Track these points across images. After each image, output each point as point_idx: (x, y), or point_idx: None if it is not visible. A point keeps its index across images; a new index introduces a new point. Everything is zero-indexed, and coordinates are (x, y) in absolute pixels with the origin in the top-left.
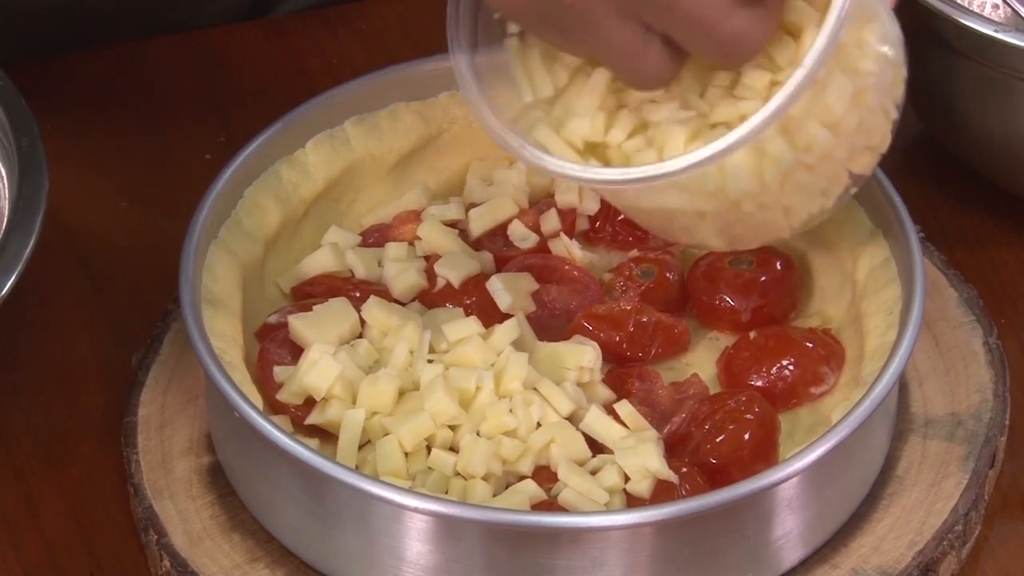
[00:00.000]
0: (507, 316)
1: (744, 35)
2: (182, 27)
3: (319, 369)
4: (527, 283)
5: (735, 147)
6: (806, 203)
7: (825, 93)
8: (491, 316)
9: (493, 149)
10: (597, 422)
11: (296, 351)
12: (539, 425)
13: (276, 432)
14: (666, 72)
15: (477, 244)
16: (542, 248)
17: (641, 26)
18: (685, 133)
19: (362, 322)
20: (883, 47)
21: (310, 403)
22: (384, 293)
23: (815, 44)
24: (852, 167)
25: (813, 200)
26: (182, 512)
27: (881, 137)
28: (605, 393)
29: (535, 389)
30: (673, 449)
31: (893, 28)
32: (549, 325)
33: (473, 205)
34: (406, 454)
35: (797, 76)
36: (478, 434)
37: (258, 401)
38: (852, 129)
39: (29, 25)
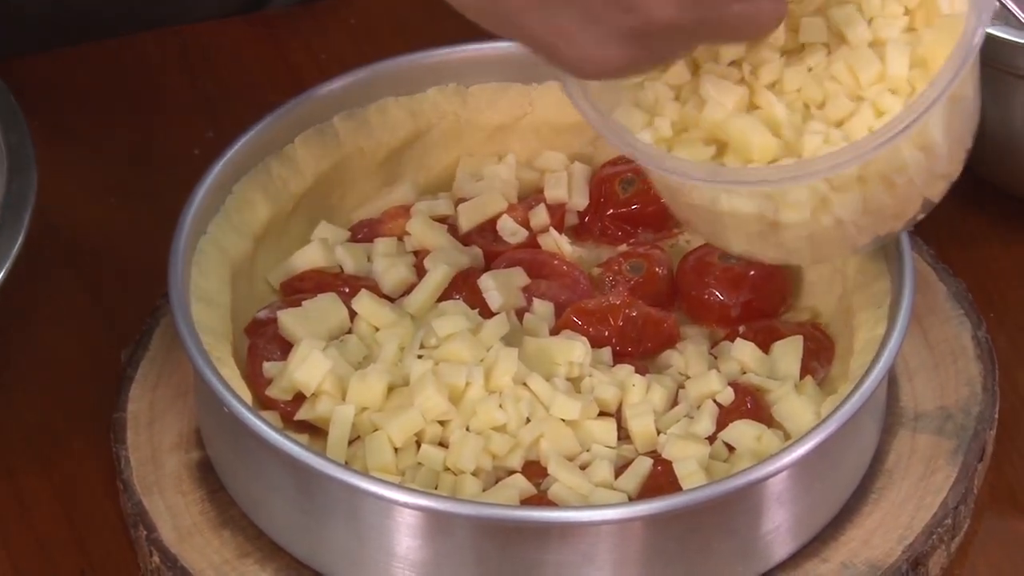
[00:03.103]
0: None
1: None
2: (173, 22)
3: (308, 364)
4: (519, 278)
5: (868, 153)
6: (879, 224)
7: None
8: (481, 311)
9: (482, 144)
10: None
11: (285, 347)
12: (529, 420)
13: (265, 428)
14: (612, 59)
15: (466, 239)
16: (531, 243)
17: (579, 14)
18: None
19: (351, 317)
20: (976, 72)
21: (299, 398)
22: (374, 288)
23: (951, 60)
24: (927, 193)
25: (885, 222)
26: (171, 508)
27: (957, 164)
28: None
29: (525, 384)
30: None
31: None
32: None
33: (462, 200)
34: (396, 449)
35: (940, 82)
36: (468, 429)
37: (247, 397)
38: (942, 153)
39: (16, 23)
